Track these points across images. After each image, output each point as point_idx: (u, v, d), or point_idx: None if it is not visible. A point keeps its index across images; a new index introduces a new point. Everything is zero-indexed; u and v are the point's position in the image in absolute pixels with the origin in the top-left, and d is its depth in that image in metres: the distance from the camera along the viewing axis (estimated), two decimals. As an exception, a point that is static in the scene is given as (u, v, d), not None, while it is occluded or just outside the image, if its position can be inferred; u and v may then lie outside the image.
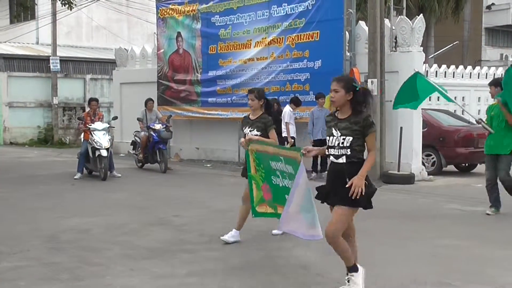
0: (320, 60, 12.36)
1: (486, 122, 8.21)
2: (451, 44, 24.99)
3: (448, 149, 12.53)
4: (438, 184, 11.38)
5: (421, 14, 12.24)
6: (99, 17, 27.69)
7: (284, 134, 12.02)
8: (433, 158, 12.68)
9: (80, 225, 7.52)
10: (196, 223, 7.67)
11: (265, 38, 13.44)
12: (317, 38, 12.45)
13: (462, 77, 24.13)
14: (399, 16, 12.07)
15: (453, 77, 23.63)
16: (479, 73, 24.84)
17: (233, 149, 14.57)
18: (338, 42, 12.03)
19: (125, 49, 18.63)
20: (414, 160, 11.67)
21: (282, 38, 13.09)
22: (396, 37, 11.85)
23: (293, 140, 12.01)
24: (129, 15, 27.84)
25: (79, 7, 19.51)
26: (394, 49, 11.95)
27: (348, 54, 12.21)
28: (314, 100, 12.00)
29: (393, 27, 11.95)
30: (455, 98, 24.34)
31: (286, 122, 11.87)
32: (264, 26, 13.48)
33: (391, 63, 11.66)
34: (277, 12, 13.18)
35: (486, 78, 24.94)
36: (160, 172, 13.15)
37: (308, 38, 12.60)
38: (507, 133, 7.92)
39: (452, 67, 23.81)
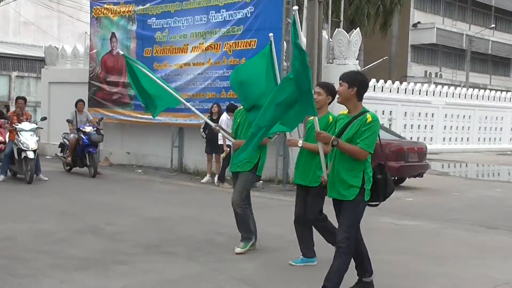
0: (258, 68, 12.29)
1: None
2: (381, 59, 25.77)
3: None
4: (370, 197, 11.57)
5: (358, 28, 12.49)
6: (27, 12, 26.55)
7: (220, 142, 11.91)
8: (364, 171, 12.87)
9: (3, 232, 7.06)
10: (129, 232, 7.39)
11: (202, 43, 13.28)
12: (254, 46, 12.42)
13: (390, 91, 24.98)
14: (336, 29, 12.27)
15: (382, 91, 24.40)
16: (406, 89, 25.79)
17: (166, 155, 14.28)
18: (276, 51, 11.95)
19: (55, 47, 17.93)
20: (347, 172, 11.82)
21: (220, 44, 12.98)
22: (333, 49, 12.01)
23: (229, 149, 11.90)
24: (60, 12, 26.89)
25: (6, 0, 18.62)
26: (331, 61, 12.12)
27: (285, 64, 12.24)
28: (251, 108, 11.93)
29: (330, 39, 12.11)
30: (382, 112, 25.36)
31: (222, 130, 11.74)
32: (201, 31, 13.31)
33: (328, 74, 11.80)
34: (215, 17, 13.06)
35: (412, 93, 25.98)
36: (89, 177, 12.68)
37: (246, 46, 12.55)
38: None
39: (381, 81, 24.57)
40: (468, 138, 28.74)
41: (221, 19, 12.84)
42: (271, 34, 6.41)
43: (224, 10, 12.79)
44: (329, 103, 5.75)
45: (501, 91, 32.07)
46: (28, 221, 7.81)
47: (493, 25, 42.06)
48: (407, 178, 13.59)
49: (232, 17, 12.64)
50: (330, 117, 5.64)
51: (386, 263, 6.35)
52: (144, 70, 6.61)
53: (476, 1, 43.85)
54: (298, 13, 13.69)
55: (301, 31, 13.57)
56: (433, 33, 39.40)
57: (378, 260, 6.46)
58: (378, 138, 4.70)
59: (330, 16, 12.48)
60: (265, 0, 12.03)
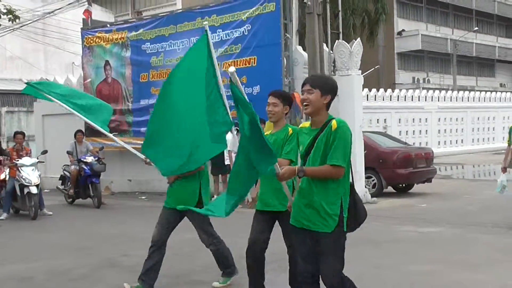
0: (259, 85, 12.16)
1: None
2: (373, 68, 25.85)
3: (388, 170, 12.65)
4: (383, 206, 11.42)
5: (358, 38, 12.42)
6: (13, 46, 26.28)
7: (227, 162, 11.69)
8: (373, 180, 12.75)
9: (19, 272, 6.76)
10: (150, 262, 7.10)
11: (200, 64, 13.08)
12: (254, 63, 12.27)
13: (383, 100, 25.02)
14: (337, 40, 12.17)
15: (375, 100, 24.42)
16: (398, 96, 25.85)
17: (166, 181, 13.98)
18: (276, 67, 11.89)
19: (46, 79, 17.66)
20: (358, 183, 11.62)
21: (218, 64, 12.68)
22: (334, 61, 11.91)
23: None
24: (46, 44, 26.66)
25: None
26: (333, 73, 12.00)
27: (287, 79, 12.11)
28: (255, 126, 11.75)
29: (331, 51, 12.02)
30: (377, 120, 25.28)
31: (228, 150, 11.52)
32: (198, 52, 13.13)
33: (331, 87, 11.66)
34: (212, 38, 12.75)
35: (405, 100, 26.02)
36: (94, 208, 12.39)
37: (245, 64, 12.38)
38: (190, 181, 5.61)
39: (373, 90, 24.62)
40: (462, 140, 28.79)
41: (218, 39, 12.68)
42: (205, 22, 5.63)
43: (221, 30, 12.65)
44: (286, 114, 5.01)
45: (490, 91, 32.24)
46: (42, 258, 7.52)
47: (476, 28, 42.48)
48: (416, 184, 13.46)
49: (229, 36, 12.49)
50: (290, 129, 4.86)
51: (420, 274, 6.16)
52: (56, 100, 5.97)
53: (457, 6, 44.29)
54: (290, 27, 13.40)
55: (294, 44, 13.45)
56: (418, 40, 39.64)
57: (412, 271, 6.28)
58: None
59: (329, 28, 12.38)
60: (262, 17, 11.90)
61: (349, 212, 3.83)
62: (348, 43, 12.01)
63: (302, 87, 3.94)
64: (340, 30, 12.82)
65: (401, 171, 12.62)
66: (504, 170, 8.91)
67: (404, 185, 13.54)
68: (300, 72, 12.21)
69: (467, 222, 9.26)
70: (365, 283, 5.89)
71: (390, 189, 13.47)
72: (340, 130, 3.76)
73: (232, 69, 4.05)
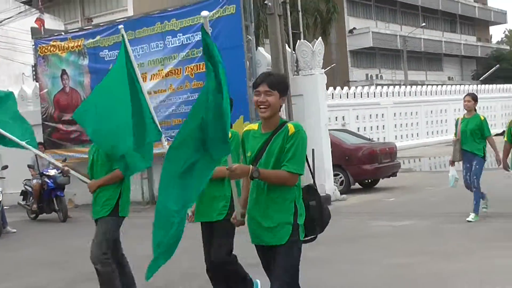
0: (223, 88, 12.08)
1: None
2: (330, 67, 26.18)
3: (355, 167, 12.83)
4: (352, 203, 11.56)
5: (320, 38, 12.54)
6: (-44, 57, 25.37)
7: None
8: (341, 177, 12.89)
9: (-6, 293, 6.52)
10: (129, 273, 6.96)
11: (161, 70, 12.94)
12: (217, 67, 12.18)
13: (340, 97, 25.39)
14: (298, 40, 12.24)
15: (332, 98, 24.74)
16: (354, 93, 26.29)
17: (136, 187, 13.77)
18: (240, 69, 11.84)
19: (-1, 91, 17.11)
20: (327, 181, 11.75)
21: (180, 69, 12.69)
22: (297, 60, 11.98)
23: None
24: (-7, 54, 25.82)
25: None
26: (296, 73, 12.07)
27: (250, 81, 12.08)
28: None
29: (293, 52, 12.09)
30: (336, 118, 25.60)
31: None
32: (159, 57, 12.97)
33: (295, 87, 11.73)
34: (172, 42, 12.77)
35: (361, 97, 26.48)
36: (59, 222, 12.05)
37: (208, 68, 12.28)
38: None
39: (330, 88, 24.94)
40: (417, 134, 29.48)
41: (179, 43, 12.56)
42: (121, 26, 5.55)
43: (181, 34, 12.52)
44: None
45: (441, 85, 33.16)
46: (14, 277, 7.27)
47: (424, 24, 43.60)
48: (381, 179, 13.68)
49: (190, 40, 12.39)
50: (229, 133, 4.20)
51: (401, 267, 6.25)
52: None
53: (404, 3, 45.37)
54: (251, 29, 13.31)
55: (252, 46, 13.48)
56: (369, 37, 40.41)
57: (393, 265, 6.36)
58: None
59: (290, 28, 12.44)
60: (222, 19, 11.84)
61: (313, 216, 3.60)
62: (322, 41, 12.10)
63: (256, 87, 3.55)
64: (301, 29, 12.90)
65: (367, 167, 12.82)
66: (452, 163, 8.94)
67: (370, 180, 13.74)
68: (263, 73, 12.22)
69: (435, 214, 9.46)
70: (349, 279, 5.97)
71: (356, 185, 13.64)
72: (299, 135, 3.47)
73: (205, 13, 3.54)
